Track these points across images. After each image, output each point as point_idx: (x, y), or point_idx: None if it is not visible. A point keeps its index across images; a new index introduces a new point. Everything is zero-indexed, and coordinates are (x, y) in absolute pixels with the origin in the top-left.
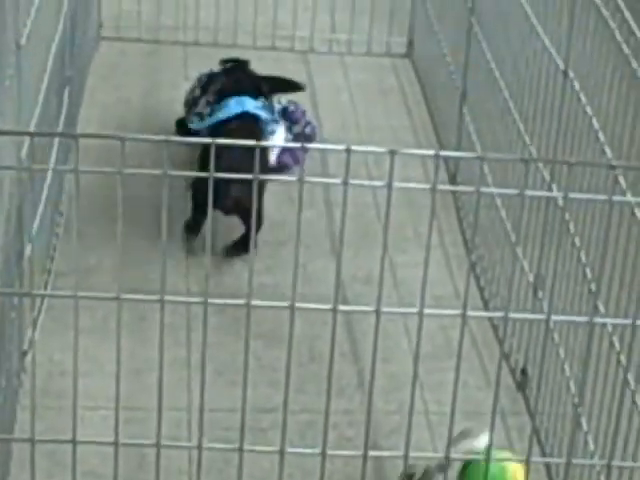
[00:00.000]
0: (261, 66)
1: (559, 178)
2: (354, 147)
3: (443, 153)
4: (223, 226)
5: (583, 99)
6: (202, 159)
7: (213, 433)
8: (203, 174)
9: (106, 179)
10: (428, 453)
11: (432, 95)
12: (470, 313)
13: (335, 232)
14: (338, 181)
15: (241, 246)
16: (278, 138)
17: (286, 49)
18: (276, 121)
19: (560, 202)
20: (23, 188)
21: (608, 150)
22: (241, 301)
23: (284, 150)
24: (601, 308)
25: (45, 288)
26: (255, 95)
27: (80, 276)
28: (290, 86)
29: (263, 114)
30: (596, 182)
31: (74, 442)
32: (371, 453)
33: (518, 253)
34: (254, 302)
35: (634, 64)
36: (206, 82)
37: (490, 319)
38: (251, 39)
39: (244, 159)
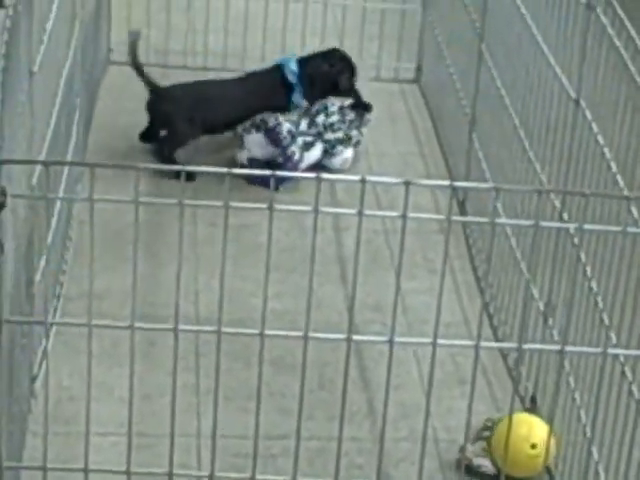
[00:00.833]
0: None
1: (570, 206)
2: (369, 177)
3: (457, 184)
4: None
5: (595, 128)
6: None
7: (223, 460)
8: None
9: (115, 205)
10: None
11: (441, 121)
12: (483, 344)
13: (344, 258)
14: (353, 211)
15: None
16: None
17: None
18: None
19: (572, 230)
20: (35, 214)
21: (620, 179)
22: (255, 331)
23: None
24: (613, 338)
25: (54, 313)
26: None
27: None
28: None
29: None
30: (608, 211)
31: (86, 470)
32: None
33: (529, 282)
34: (267, 332)
35: None
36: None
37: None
38: (259, 64)
39: None
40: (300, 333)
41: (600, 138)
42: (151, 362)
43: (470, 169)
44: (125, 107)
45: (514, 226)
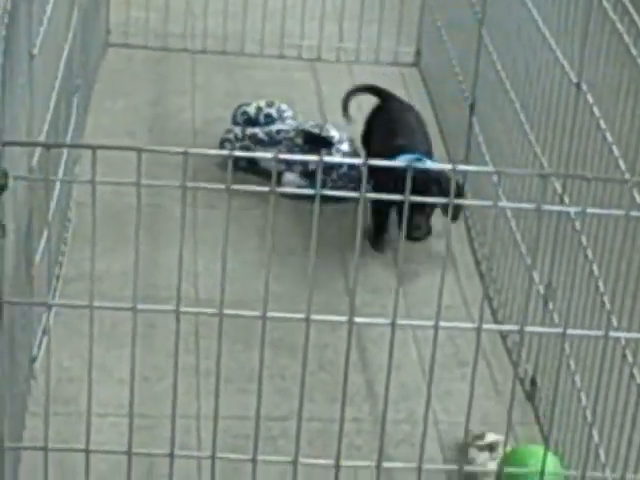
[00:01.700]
0: (268, 74)
1: (571, 190)
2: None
3: (460, 167)
4: None
5: (596, 112)
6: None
7: (222, 441)
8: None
9: (114, 186)
10: (440, 465)
11: (440, 105)
12: (485, 327)
13: (344, 241)
14: (355, 194)
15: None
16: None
17: (294, 57)
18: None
19: (573, 214)
20: (34, 196)
21: (622, 163)
22: (257, 313)
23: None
24: (614, 321)
25: (54, 294)
26: None
27: (88, 282)
28: None
29: None
30: (609, 194)
31: (87, 451)
32: (385, 464)
33: (529, 264)
34: (270, 314)
35: None
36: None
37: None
38: (259, 47)
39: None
40: (302, 315)
41: (602, 122)
42: (150, 344)
43: (470, 153)
44: (123, 90)
45: (515, 209)
